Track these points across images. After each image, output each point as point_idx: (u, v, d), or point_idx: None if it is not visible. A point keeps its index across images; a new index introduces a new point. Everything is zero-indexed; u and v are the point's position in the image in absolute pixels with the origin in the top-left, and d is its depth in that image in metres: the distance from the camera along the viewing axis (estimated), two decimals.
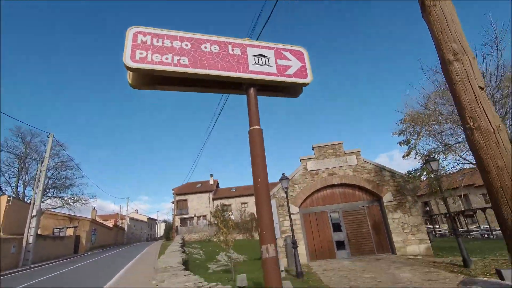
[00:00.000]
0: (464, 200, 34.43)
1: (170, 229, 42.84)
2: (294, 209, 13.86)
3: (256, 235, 35.42)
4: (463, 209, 30.33)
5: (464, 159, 10.76)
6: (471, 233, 24.03)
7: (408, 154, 11.71)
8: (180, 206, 41.92)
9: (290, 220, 10.84)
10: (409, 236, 12.89)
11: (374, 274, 8.91)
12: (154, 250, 25.97)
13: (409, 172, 13.09)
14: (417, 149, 11.50)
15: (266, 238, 1.97)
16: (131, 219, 57.81)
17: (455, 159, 11.11)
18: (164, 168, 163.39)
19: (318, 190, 14.40)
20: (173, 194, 41.80)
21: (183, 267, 5.45)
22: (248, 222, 36.27)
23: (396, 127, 11.89)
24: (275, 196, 14.23)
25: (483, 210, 23.70)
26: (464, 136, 10.03)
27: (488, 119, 2.37)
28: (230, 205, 42.99)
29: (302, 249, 13.21)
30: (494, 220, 23.89)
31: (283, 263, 12.59)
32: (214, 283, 4.46)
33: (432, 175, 10.01)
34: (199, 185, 45.48)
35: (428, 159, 9.63)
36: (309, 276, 9.49)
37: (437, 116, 10.50)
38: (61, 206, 29.61)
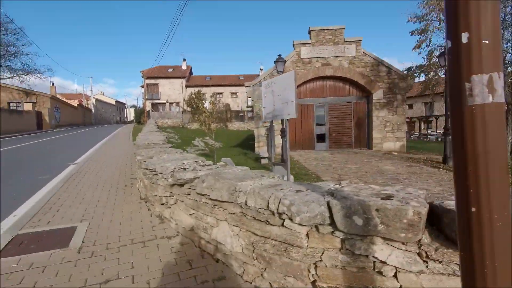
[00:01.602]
0: (428, 107, 36.26)
1: (141, 113, 41.69)
2: None
3: (230, 125, 35.85)
4: (426, 115, 32.39)
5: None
6: (428, 137, 26.46)
7: (419, 45, 10.37)
8: (151, 91, 39.50)
9: None
10: (389, 134, 13.11)
11: (358, 165, 9.00)
12: (128, 130, 25.34)
13: (408, 68, 12.09)
14: (431, 41, 10.12)
15: None
16: (98, 100, 54.78)
17: None
18: (131, 48, 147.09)
19: (308, 81, 13.24)
20: (142, 77, 38.50)
21: (170, 144, 4.58)
22: (223, 112, 35.92)
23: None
24: (261, 84, 12.91)
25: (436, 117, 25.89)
26: None
27: None
28: (204, 94, 41.42)
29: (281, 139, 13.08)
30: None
31: (263, 151, 12.56)
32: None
33: (442, 71, 9.07)
34: (170, 70, 41.99)
35: (443, 52, 8.48)
36: (293, 164, 9.43)
37: None
38: (10, 77, 25.99)
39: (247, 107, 42.30)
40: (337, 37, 12.72)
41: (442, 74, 11.43)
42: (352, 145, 13.67)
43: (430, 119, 31.22)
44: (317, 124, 13.65)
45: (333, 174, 7.73)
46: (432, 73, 10.81)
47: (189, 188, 2.39)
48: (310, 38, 12.86)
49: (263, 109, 4.99)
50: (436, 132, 27.54)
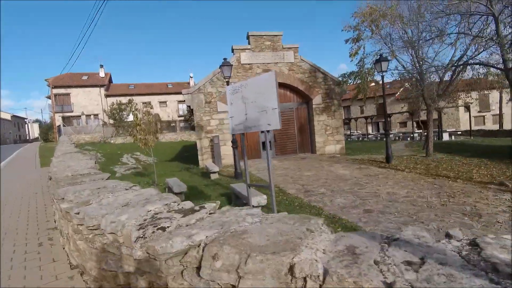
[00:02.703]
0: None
1: (49, 129, 34.98)
2: (222, 106, 12.04)
3: (161, 137, 33.01)
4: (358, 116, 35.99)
5: (408, 71, 10.78)
6: (368, 136, 29.32)
7: (355, 53, 10.94)
8: (61, 101, 33.52)
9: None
10: (329, 137, 13.57)
11: (313, 172, 8.79)
12: (32, 151, 20.52)
13: (342, 74, 12.76)
14: (365, 49, 10.79)
15: None
16: None
17: (396, 68, 11.07)
18: (30, 51, 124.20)
19: None
20: (48, 86, 32.37)
21: (106, 174, 3.13)
22: (152, 123, 32.80)
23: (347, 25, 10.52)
24: (201, 91, 11.83)
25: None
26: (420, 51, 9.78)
27: None
28: (135, 103, 37.36)
29: (229, 149, 12.21)
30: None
31: (209, 164, 11.45)
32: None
33: (379, 76, 9.68)
34: (85, 77, 36.55)
35: (380, 58, 9.03)
36: (251, 177, 8.64)
37: (399, 15, 9.57)
38: None
39: (179, 116, 39.89)
40: (275, 43, 12.61)
41: (375, 78, 12.42)
42: (297, 151, 13.70)
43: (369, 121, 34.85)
44: (262, 132, 13.20)
45: (295, 185, 7.24)
46: (363, 79, 11.61)
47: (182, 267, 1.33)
48: (249, 44, 12.41)
49: (230, 119, 4.08)
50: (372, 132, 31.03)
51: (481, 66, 9.73)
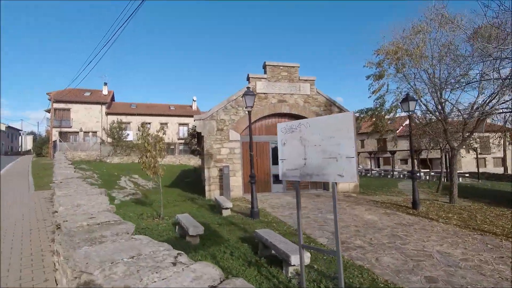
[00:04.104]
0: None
1: (43, 143, 33.87)
2: (234, 135, 11.41)
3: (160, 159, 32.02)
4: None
5: (431, 112, 10.40)
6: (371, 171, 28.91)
7: (378, 90, 10.60)
8: (60, 116, 32.79)
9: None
10: None
11: (338, 216, 7.91)
12: (22, 168, 19.30)
13: (360, 110, 12.36)
14: (388, 86, 10.46)
15: None
16: None
17: (420, 109, 10.70)
18: (34, 64, 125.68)
19: (264, 118, 12.22)
20: (49, 99, 31.80)
21: (129, 225, 2.26)
22: (163, 150, 31.96)
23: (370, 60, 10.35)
24: (214, 118, 11.23)
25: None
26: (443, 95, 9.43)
27: None
28: (129, 123, 36.75)
29: (238, 181, 11.39)
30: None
31: (217, 195, 10.53)
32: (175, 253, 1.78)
33: (405, 114, 9.21)
34: (87, 93, 36.24)
35: (408, 98, 8.61)
36: (266, 217, 7.74)
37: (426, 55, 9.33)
38: None
39: (179, 139, 39.20)
40: (292, 75, 12.32)
41: (398, 115, 12.04)
42: (309, 186, 12.90)
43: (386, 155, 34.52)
44: (273, 164, 12.50)
45: (323, 232, 6.35)
46: (381, 117, 11.25)
47: None
48: (265, 73, 12.10)
49: (280, 162, 3.36)
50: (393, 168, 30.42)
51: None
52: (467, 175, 25.50)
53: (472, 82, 8.54)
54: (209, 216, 7.83)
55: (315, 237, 5.87)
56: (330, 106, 12.90)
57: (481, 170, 30.70)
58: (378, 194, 12.15)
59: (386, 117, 11.75)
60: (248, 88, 8.05)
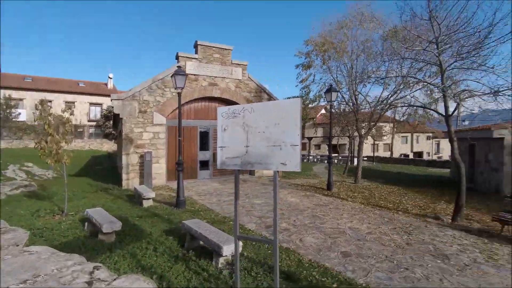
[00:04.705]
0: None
1: None
2: (159, 118, 10.50)
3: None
4: None
5: (347, 103, 11.53)
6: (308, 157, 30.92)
7: (306, 79, 11.20)
8: None
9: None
10: None
11: (263, 200, 8.21)
12: None
13: (288, 97, 12.95)
14: (314, 77, 11.17)
15: None
16: None
17: (337, 100, 11.78)
18: None
19: (193, 101, 11.58)
20: None
21: (18, 231, 1.64)
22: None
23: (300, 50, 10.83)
24: (136, 98, 10.05)
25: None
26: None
27: None
28: (21, 99, 30.08)
29: (162, 168, 10.62)
30: None
31: (136, 184, 9.62)
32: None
33: (328, 105, 10.01)
34: None
35: (331, 89, 9.40)
36: (193, 206, 7.43)
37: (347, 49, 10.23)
38: None
39: (89, 120, 34.22)
40: (224, 57, 11.94)
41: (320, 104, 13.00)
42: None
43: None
44: (201, 150, 12.10)
45: (250, 217, 6.48)
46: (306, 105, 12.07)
47: None
48: (196, 53, 11.38)
49: (219, 149, 3.11)
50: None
51: (412, 107, 11.23)
52: (365, 158, 29.97)
53: (383, 78, 9.82)
54: (127, 209, 7.06)
55: (243, 223, 5.93)
56: (261, 93, 13.10)
57: (376, 154, 36.73)
58: (298, 178, 13.16)
59: (310, 105, 12.64)
60: (179, 67, 7.36)
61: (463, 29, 6.26)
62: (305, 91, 11.73)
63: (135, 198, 8.06)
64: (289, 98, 13.04)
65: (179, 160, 7.11)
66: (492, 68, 6.14)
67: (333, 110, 15.07)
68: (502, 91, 6.00)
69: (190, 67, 11.06)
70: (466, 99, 6.88)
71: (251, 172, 13.25)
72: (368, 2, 10.65)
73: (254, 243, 4.73)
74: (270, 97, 13.27)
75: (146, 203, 7.34)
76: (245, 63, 12.45)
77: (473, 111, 7.43)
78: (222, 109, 3.05)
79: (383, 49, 10.16)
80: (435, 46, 6.46)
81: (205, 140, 12.19)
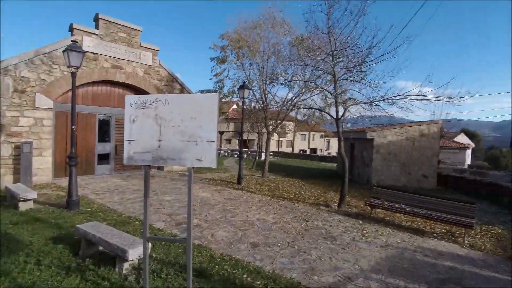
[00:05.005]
0: None
1: None
2: (44, 101, 8.64)
3: None
4: None
5: (258, 101, 12.11)
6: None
7: (220, 73, 11.12)
8: None
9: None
10: None
11: (173, 196, 7.88)
12: None
13: (201, 91, 12.70)
14: (228, 72, 11.23)
15: None
16: None
17: (249, 97, 12.22)
18: None
19: (91, 84, 9.98)
20: None
21: None
22: None
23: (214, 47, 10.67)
24: (10, 73, 7.93)
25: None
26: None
27: None
28: None
29: (47, 162, 8.83)
30: None
31: (8, 182, 7.73)
32: None
33: (240, 101, 10.30)
34: None
35: (244, 86, 9.70)
36: (89, 206, 6.45)
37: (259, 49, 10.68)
38: None
39: None
40: (132, 38, 10.70)
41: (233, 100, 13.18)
42: (141, 166, 11.99)
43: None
44: (100, 141, 10.60)
45: (159, 215, 6.13)
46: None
47: None
48: (97, 28, 9.78)
49: (126, 143, 2.76)
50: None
51: (310, 108, 12.72)
52: (271, 153, 32.55)
53: (289, 81, 10.79)
54: None
55: (152, 222, 5.57)
56: (172, 82, 12.38)
57: (280, 150, 40.29)
58: (209, 172, 13.18)
59: (223, 100, 12.77)
60: (74, 42, 6.13)
61: (352, 47, 7.52)
62: (219, 85, 11.80)
63: (7, 200, 6.43)
64: (202, 91, 12.96)
65: (72, 153, 6.04)
66: (370, 82, 7.64)
67: (245, 107, 15.83)
68: (375, 102, 7.53)
69: (89, 44, 9.46)
70: (351, 106, 8.34)
71: (160, 167, 12.48)
72: (281, 8, 11.50)
73: (163, 242, 4.52)
74: (183, 88, 12.75)
75: (24, 206, 5.96)
76: (156, 48, 11.53)
77: (354, 116, 9.10)
78: (131, 98, 2.76)
79: (291, 54, 11.20)
80: (331, 58, 7.54)
81: (105, 130, 10.73)
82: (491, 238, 5.90)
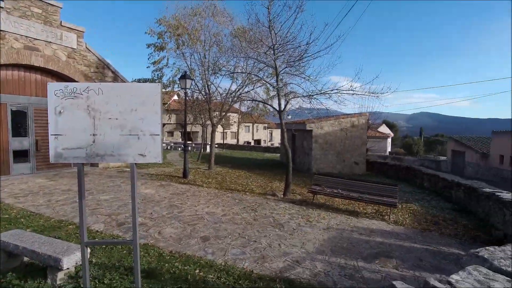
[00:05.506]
0: None
1: None
2: None
3: None
4: None
5: (200, 92, 11.73)
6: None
7: (159, 61, 10.33)
8: None
9: None
10: None
11: (112, 195, 7.21)
12: None
13: (137, 80, 11.73)
14: (168, 60, 10.50)
15: None
16: None
17: (191, 88, 11.71)
18: None
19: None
20: None
21: None
22: None
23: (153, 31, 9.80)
24: None
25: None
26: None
27: None
28: None
29: None
30: None
31: None
32: None
33: (181, 91, 9.81)
34: None
35: (185, 76, 9.23)
36: (7, 213, 5.45)
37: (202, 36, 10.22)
38: None
39: None
40: (50, 16, 9.20)
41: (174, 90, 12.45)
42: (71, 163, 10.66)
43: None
44: (15, 136, 9.01)
45: (97, 216, 5.55)
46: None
47: None
48: (1, 0, 8.13)
49: (52, 138, 2.35)
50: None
51: (255, 101, 12.85)
52: (216, 145, 32.29)
53: (232, 72, 10.69)
54: None
55: (89, 224, 5.03)
56: (104, 69, 11.13)
57: (225, 141, 40.21)
58: (152, 167, 12.43)
59: (164, 90, 12.03)
60: None
61: (291, 42, 7.82)
62: (157, 74, 11.02)
63: None
64: (139, 80, 12.00)
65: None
66: (308, 77, 8.09)
67: (187, 98, 15.23)
68: (314, 95, 8.03)
69: None
70: (292, 99, 8.74)
71: (93, 164, 11.25)
72: None
73: (105, 247, 4.12)
74: (116, 76, 11.60)
75: None
76: (82, 29, 10.18)
77: (295, 108, 9.57)
78: (55, 86, 2.38)
79: (233, 45, 11.11)
80: (273, 52, 7.73)
81: (21, 122, 9.16)
82: (409, 214, 6.94)
